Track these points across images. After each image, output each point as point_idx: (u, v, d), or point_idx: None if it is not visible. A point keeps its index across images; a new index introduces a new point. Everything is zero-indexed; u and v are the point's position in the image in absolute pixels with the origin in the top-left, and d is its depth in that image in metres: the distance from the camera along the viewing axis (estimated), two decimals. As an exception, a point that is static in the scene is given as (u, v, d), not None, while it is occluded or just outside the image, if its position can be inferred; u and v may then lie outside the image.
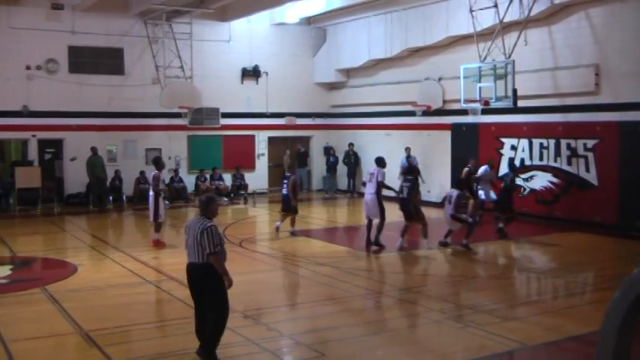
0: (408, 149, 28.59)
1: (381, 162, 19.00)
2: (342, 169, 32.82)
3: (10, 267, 16.52)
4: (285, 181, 21.23)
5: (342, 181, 32.82)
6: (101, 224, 25.25)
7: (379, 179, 18.50)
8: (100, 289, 14.45)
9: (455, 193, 18.32)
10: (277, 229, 21.42)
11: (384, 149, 29.54)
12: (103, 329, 11.14)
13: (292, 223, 21.28)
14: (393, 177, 27.47)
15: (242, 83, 32.49)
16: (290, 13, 31.36)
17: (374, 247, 18.48)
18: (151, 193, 19.29)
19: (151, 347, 10.44)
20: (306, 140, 34.57)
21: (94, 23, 28.50)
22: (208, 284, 9.54)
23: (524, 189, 23.65)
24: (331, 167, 33.05)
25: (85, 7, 27.75)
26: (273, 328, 11.61)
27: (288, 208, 21.08)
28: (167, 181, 29.26)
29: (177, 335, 11.05)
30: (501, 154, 24.70)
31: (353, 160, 32.07)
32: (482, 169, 21.97)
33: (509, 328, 11.54)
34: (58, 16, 28.07)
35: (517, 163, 23.39)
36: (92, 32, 28.58)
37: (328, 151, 33.69)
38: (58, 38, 28.02)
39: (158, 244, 19.10)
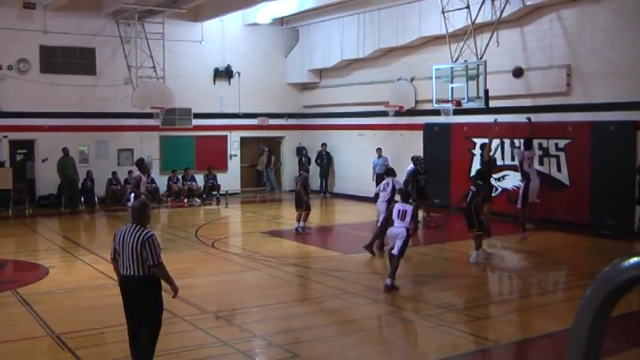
0: (379, 150, 28.73)
1: (392, 172, 18.98)
2: (314, 170, 32.81)
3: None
4: (297, 180, 22.36)
5: (315, 182, 32.80)
6: (73, 226, 25.12)
7: (397, 187, 18.43)
8: (72, 291, 14.37)
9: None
10: (301, 228, 21.51)
11: (356, 149, 29.79)
12: (75, 332, 11.09)
13: (304, 219, 21.52)
14: (367, 178, 27.71)
15: (214, 84, 32.41)
16: (262, 14, 31.32)
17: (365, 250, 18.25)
18: (133, 195, 19.06)
19: (123, 350, 10.33)
20: (277, 141, 34.55)
21: (66, 23, 28.31)
22: (148, 297, 8.94)
23: (496, 189, 23.73)
24: (305, 166, 32.97)
25: (57, 6, 27.55)
26: (246, 328, 11.60)
27: (301, 205, 21.35)
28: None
29: (150, 337, 11.01)
30: (473, 154, 24.80)
31: (325, 160, 32.08)
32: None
33: (481, 327, 11.63)
34: (30, 16, 27.85)
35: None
36: (64, 32, 28.37)
37: (300, 151, 33.68)
38: (29, 38, 27.81)
39: None
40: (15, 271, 17.29)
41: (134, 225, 8.97)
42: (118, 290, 14.27)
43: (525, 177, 20.39)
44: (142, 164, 19.53)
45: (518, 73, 22.06)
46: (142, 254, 8.73)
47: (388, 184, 18.46)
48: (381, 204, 18.22)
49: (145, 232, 8.85)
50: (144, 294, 8.90)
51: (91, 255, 18.19)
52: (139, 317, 9.02)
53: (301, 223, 21.46)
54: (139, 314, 9.01)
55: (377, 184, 28.30)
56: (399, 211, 14.71)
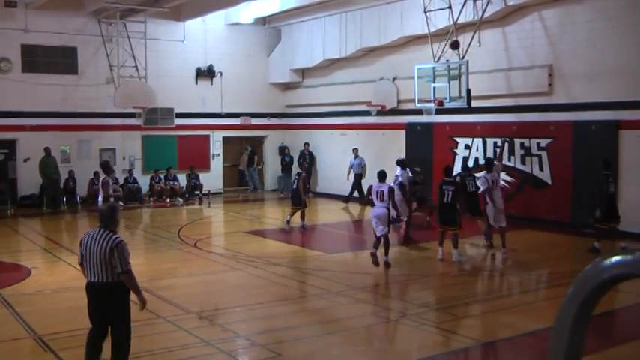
0: (355, 150, 28.91)
1: (384, 176, 18.90)
2: (296, 169, 32.78)
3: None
4: (297, 178, 22.55)
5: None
6: (55, 226, 25.03)
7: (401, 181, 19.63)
8: (54, 292, 14.32)
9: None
10: (288, 222, 22.26)
11: (339, 149, 29.82)
12: (58, 333, 11.04)
13: (302, 217, 22.22)
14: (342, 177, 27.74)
15: (197, 83, 32.33)
16: (245, 13, 31.29)
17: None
18: (101, 198, 18.80)
19: (105, 350, 10.31)
20: (260, 140, 34.52)
21: (48, 21, 28.14)
22: (115, 305, 8.65)
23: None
24: (286, 167, 32.98)
25: (39, 5, 27.37)
26: (229, 328, 11.62)
27: (299, 202, 21.98)
28: (121, 181, 29.12)
29: (133, 338, 10.91)
30: (455, 154, 24.87)
31: (308, 159, 32.06)
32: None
33: (463, 326, 11.69)
34: (11, 14, 27.66)
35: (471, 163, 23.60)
36: (46, 31, 28.20)
37: (283, 150, 33.65)
38: (10, 37, 27.63)
39: None
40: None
41: (102, 230, 8.72)
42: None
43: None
44: (107, 166, 19.35)
45: (454, 45, 22.12)
46: (110, 260, 8.44)
47: (383, 192, 18.26)
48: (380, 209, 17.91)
49: (114, 237, 8.58)
50: (111, 301, 8.62)
51: (74, 255, 17.88)
52: (104, 324, 8.81)
53: (305, 221, 22.26)
54: (106, 321, 8.79)
55: (354, 185, 28.58)
56: (377, 192, 16.31)
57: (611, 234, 18.25)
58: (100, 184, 19.10)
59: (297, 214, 22.12)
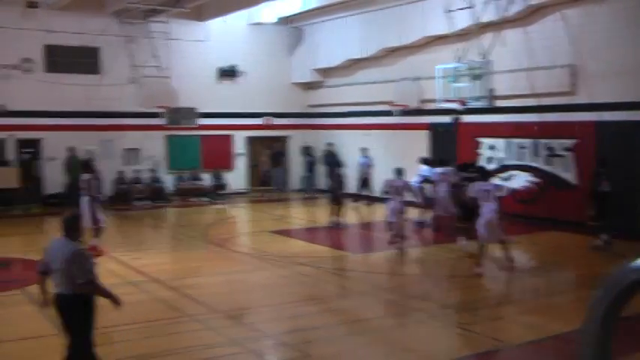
0: (364, 150, 29.30)
1: (400, 172, 19.21)
2: (320, 169, 32.85)
3: (-10, 268, 16.39)
4: (334, 177, 23.59)
5: (321, 182, 32.75)
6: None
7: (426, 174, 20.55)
8: (80, 290, 14.41)
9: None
10: (337, 223, 22.51)
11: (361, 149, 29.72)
12: (85, 330, 11.10)
13: (339, 214, 22.67)
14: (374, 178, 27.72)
15: (219, 83, 32.43)
16: (267, 13, 31.39)
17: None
18: (85, 197, 18.10)
19: (132, 348, 10.43)
20: (283, 140, 34.54)
21: (70, 22, 28.26)
22: (76, 319, 8.18)
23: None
24: (310, 167, 33.03)
25: (61, 5, 27.51)
26: (256, 328, 11.64)
27: (338, 201, 22.63)
28: (146, 181, 29.29)
29: (160, 336, 11.05)
30: (479, 154, 24.78)
31: (331, 159, 32.03)
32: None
33: (491, 327, 11.64)
34: (34, 15, 27.76)
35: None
36: (68, 31, 28.32)
37: (307, 150, 33.70)
38: (33, 37, 27.75)
39: (95, 250, 17.49)
40: (23, 270, 17.28)
41: (65, 239, 8.24)
42: (127, 289, 14.36)
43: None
44: (89, 165, 18.90)
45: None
46: (69, 271, 7.96)
47: (399, 187, 18.55)
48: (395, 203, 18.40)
49: (75, 246, 8.12)
50: (72, 315, 8.18)
51: (99, 254, 18.23)
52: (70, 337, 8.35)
53: (340, 219, 22.63)
54: (69, 334, 8.33)
55: (361, 184, 28.72)
56: (393, 186, 18.10)
57: (606, 230, 18.16)
58: (87, 184, 18.26)
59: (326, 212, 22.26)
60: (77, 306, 8.11)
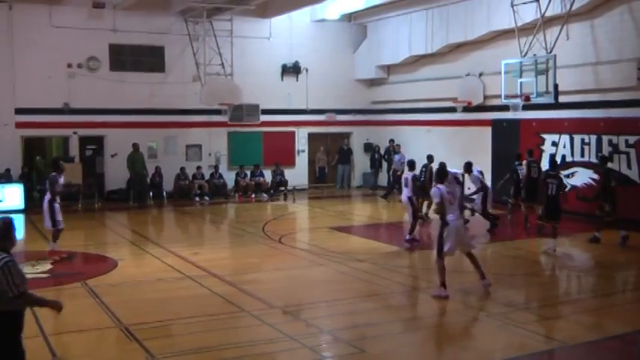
0: (398, 146, 29.54)
1: (413, 165, 19.72)
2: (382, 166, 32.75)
3: (51, 262, 16.59)
4: (423, 170, 23.09)
5: (383, 178, 32.62)
6: (141, 220, 25.46)
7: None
8: (140, 283, 14.59)
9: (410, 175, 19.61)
10: (422, 217, 22.38)
11: (424, 146, 29.40)
12: (143, 324, 11.23)
13: (429, 205, 22.47)
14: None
15: (282, 80, 32.51)
16: (330, 10, 31.38)
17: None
18: (48, 197, 17.41)
19: (190, 342, 10.47)
20: (346, 137, 34.46)
21: (135, 21, 28.71)
22: (3, 337, 7.18)
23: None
24: (375, 164, 32.92)
25: (126, 5, 27.93)
26: (313, 324, 11.62)
27: (424, 195, 22.06)
28: (207, 177, 29.52)
29: (217, 330, 11.10)
30: (542, 150, 24.41)
31: (394, 156, 31.88)
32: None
33: (549, 327, 11.48)
34: (100, 15, 28.28)
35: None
36: (133, 30, 28.76)
37: (371, 147, 33.59)
38: (99, 36, 28.26)
39: (55, 254, 17.02)
40: (84, 264, 17.59)
41: None
42: (186, 283, 14.48)
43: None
44: (57, 165, 17.91)
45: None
46: None
47: (407, 179, 19.48)
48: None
49: (3, 257, 7.10)
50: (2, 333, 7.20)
51: (159, 248, 18.38)
52: None
53: (426, 212, 22.88)
54: None
55: (394, 181, 28.62)
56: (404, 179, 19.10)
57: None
58: (48, 182, 17.43)
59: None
60: (5, 323, 7.15)
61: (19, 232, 22.34)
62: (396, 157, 29.31)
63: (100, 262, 16.83)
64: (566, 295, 14.77)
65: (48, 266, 16.14)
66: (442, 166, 16.35)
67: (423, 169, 23.21)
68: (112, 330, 11.15)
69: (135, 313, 11.94)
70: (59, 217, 17.29)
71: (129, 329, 10.92)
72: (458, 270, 15.02)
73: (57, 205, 17.26)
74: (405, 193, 19.41)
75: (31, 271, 15.38)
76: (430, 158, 23.50)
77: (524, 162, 21.33)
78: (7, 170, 26.36)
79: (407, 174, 19.86)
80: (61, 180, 17.54)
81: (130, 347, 10.20)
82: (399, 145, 29.79)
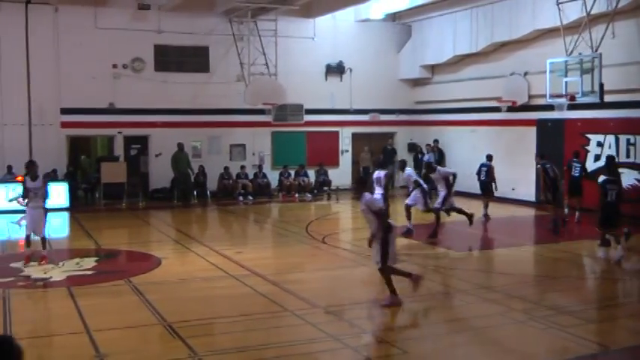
0: (429, 146, 30.49)
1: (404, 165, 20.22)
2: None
3: (96, 259, 16.85)
4: (485, 168, 23.74)
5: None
6: (185, 219, 25.66)
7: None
8: (183, 282, 14.69)
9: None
10: (485, 216, 23.14)
11: (468, 146, 29.32)
12: (186, 321, 11.29)
13: (485, 206, 23.47)
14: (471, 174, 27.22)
15: (326, 80, 32.54)
16: (375, 10, 31.39)
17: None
18: (12, 196, 17.12)
19: (233, 340, 10.53)
20: (389, 137, 34.37)
21: (180, 22, 28.94)
22: None
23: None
24: (419, 163, 32.76)
25: (171, 6, 28.20)
26: (356, 324, 11.61)
27: (487, 192, 23.27)
28: (251, 176, 29.65)
29: (259, 330, 11.13)
30: (587, 151, 24.16)
31: (438, 156, 31.74)
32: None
33: (593, 331, 11.36)
34: (144, 16, 28.58)
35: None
36: (178, 31, 29.02)
37: (416, 147, 33.50)
38: (144, 38, 28.58)
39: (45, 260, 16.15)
40: (128, 261, 17.79)
41: None
42: (229, 282, 14.54)
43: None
44: (30, 166, 16.55)
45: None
46: None
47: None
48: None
49: None
50: None
51: (203, 247, 18.48)
52: None
53: (487, 210, 23.36)
54: None
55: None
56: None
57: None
58: (38, 190, 16.20)
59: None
60: None
61: (64, 230, 22.72)
62: (426, 157, 29.21)
63: (143, 260, 16.98)
64: (611, 298, 14.55)
65: (92, 263, 16.34)
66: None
67: (484, 168, 23.69)
68: (155, 327, 11.24)
69: (178, 311, 12.01)
70: (44, 224, 16.19)
71: (172, 327, 10.99)
72: (501, 272, 14.97)
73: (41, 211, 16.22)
74: (378, 191, 19.42)
75: (75, 268, 15.59)
76: (490, 157, 23.75)
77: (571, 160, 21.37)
78: (54, 171, 26.67)
79: (378, 173, 20.27)
80: (30, 183, 16.13)
81: (174, 344, 10.26)
82: (435, 145, 30.09)
